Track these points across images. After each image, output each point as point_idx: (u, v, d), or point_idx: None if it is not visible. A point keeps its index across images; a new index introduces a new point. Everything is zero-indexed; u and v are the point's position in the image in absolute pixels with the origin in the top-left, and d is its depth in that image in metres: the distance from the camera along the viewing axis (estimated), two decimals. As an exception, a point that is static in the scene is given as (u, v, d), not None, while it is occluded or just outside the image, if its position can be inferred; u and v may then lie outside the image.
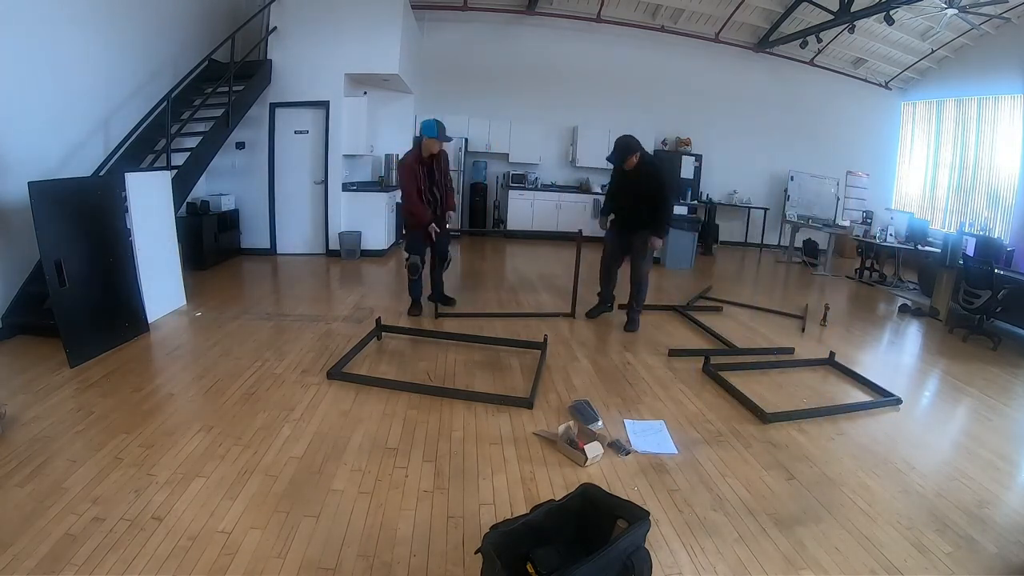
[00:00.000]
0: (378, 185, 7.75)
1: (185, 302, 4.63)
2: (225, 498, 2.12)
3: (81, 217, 3.52)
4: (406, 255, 4.59)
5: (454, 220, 4.87)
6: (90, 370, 3.24)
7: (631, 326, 4.57)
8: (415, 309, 4.72)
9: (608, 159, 4.45)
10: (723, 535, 2.07)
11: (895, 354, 4.76)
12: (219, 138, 5.71)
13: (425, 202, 4.44)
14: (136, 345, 3.72)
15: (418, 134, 4.18)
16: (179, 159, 5.05)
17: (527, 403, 3.04)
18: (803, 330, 4.93)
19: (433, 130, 4.28)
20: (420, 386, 3.20)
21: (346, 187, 7.11)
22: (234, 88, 5.82)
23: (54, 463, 2.28)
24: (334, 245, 7.06)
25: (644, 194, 4.34)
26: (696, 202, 9.28)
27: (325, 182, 6.98)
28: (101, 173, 4.52)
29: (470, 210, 9.34)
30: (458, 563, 1.85)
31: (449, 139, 4.52)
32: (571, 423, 2.67)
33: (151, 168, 4.87)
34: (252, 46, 6.46)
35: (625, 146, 4.30)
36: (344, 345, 3.83)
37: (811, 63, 9.92)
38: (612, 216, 4.64)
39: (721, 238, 9.91)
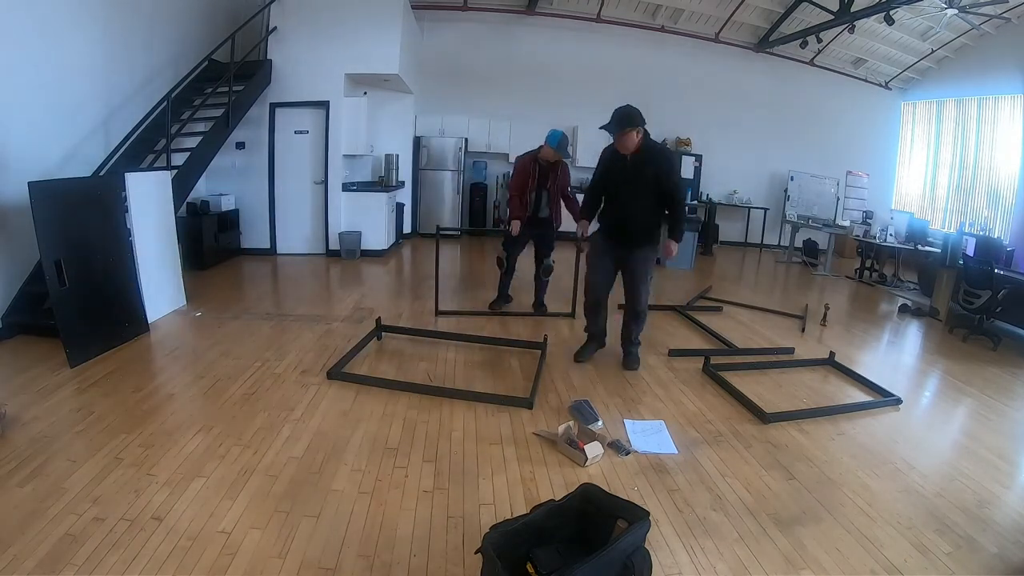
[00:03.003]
0: (378, 185, 7.74)
1: (185, 302, 4.63)
2: (225, 498, 2.12)
3: (81, 217, 3.52)
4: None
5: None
6: (90, 370, 3.24)
7: (632, 363, 3.72)
8: (496, 303, 4.97)
9: (604, 128, 3.40)
10: (723, 535, 2.07)
11: (895, 354, 4.76)
12: (219, 138, 5.71)
13: (527, 201, 4.54)
14: (136, 345, 3.72)
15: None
16: (179, 159, 5.04)
17: (527, 403, 3.04)
18: (803, 330, 4.93)
19: (553, 141, 4.38)
20: (420, 386, 3.20)
21: (346, 187, 7.10)
22: (234, 88, 5.81)
23: (54, 463, 2.28)
24: (334, 245, 7.06)
25: (648, 189, 3.38)
26: (696, 202, 9.28)
27: (325, 182, 6.98)
28: (101, 173, 4.52)
29: (470, 210, 9.35)
30: (458, 563, 1.85)
31: (568, 155, 4.59)
32: (571, 423, 2.67)
33: (151, 168, 4.86)
34: (252, 46, 6.46)
35: (625, 116, 3.25)
36: (344, 345, 3.83)
37: (811, 63, 9.91)
38: (600, 220, 3.75)
39: (721, 238, 9.90)
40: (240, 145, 6.72)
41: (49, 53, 4.14)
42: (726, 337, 4.45)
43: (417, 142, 8.83)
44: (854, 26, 7.79)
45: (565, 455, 2.54)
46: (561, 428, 2.64)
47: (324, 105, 6.81)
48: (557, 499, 1.81)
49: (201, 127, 5.54)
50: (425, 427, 2.77)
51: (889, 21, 7.38)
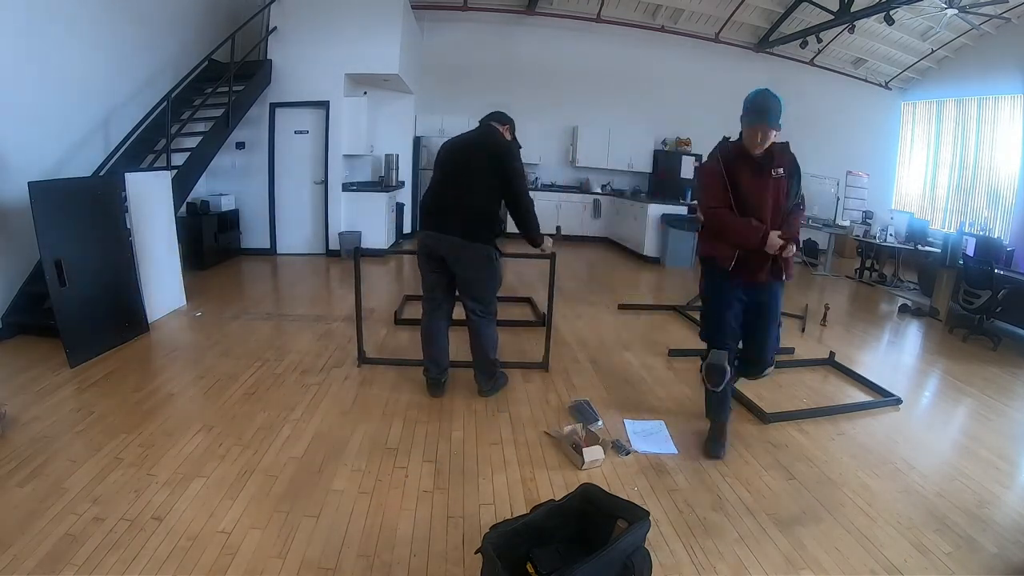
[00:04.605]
0: (378, 185, 7.74)
1: (185, 302, 4.63)
2: (225, 498, 2.12)
3: (81, 217, 3.52)
4: (704, 352, 2.64)
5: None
6: (90, 370, 3.25)
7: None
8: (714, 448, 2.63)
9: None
10: (723, 535, 2.07)
11: (895, 354, 4.76)
12: (219, 138, 5.71)
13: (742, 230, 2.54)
14: (136, 345, 3.72)
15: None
16: (179, 159, 5.04)
17: (543, 366, 3.43)
18: (803, 330, 4.92)
19: (757, 110, 2.55)
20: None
21: (346, 187, 7.11)
22: (234, 88, 5.81)
23: (54, 463, 2.28)
24: (334, 245, 7.06)
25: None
26: (696, 202, 9.27)
27: (325, 182, 6.98)
28: (101, 173, 4.51)
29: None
30: (458, 563, 1.85)
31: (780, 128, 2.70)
32: (578, 426, 2.68)
33: (151, 168, 4.86)
34: (252, 46, 6.46)
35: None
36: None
37: (811, 63, 9.90)
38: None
39: (721, 238, 9.89)
40: (240, 145, 6.73)
41: (49, 53, 4.14)
42: (726, 337, 4.44)
43: (417, 142, 8.83)
44: (854, 26, 7.79)
45: (566, 456, 2.55)
46: (567, 429, 2.65)
47: (324, 105, 6.81)
48: (557, 499, 1.81)
49: (201, 127, 5.54)
50: (425, 427, 2.77)
51: (889, 21, 7.38)
